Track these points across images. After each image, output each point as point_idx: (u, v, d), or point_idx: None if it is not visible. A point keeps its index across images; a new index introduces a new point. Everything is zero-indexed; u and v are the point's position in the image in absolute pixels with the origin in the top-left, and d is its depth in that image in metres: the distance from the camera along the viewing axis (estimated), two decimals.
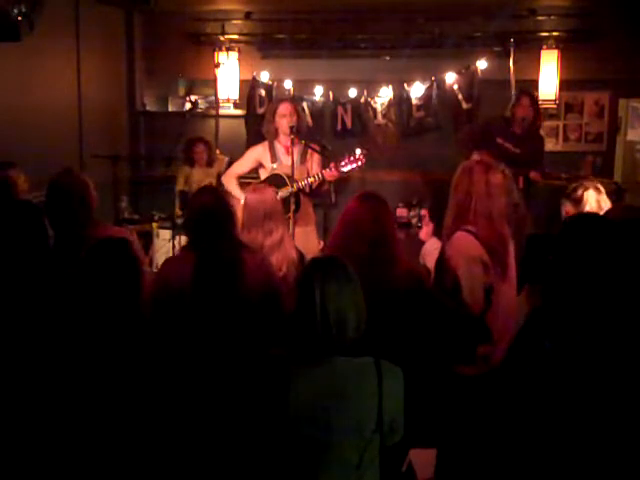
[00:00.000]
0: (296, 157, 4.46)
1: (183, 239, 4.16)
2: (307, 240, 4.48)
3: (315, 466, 1.98)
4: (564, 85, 6.33)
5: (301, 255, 3.40)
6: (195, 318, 2.60)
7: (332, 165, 4.48)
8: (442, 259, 2.89)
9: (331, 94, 6.80)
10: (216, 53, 6.60)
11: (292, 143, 4.41)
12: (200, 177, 5.88)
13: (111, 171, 5.91)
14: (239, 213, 3.45)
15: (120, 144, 6.86)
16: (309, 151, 4.69)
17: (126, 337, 2.20)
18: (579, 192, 3.48)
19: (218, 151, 6.55)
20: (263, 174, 4.73)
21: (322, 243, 4.86)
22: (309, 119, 6.76)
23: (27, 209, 2.75)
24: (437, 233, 3.27)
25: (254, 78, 6.80)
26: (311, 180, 4.54)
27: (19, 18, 4.23)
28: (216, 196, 2.96)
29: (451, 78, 6.53)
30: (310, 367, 1.99)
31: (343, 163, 4.48)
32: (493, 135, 5.46)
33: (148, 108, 7.27)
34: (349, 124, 6.84)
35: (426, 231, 3.33)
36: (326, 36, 6.55)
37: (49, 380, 2.14)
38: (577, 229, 2.11)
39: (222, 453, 2.40)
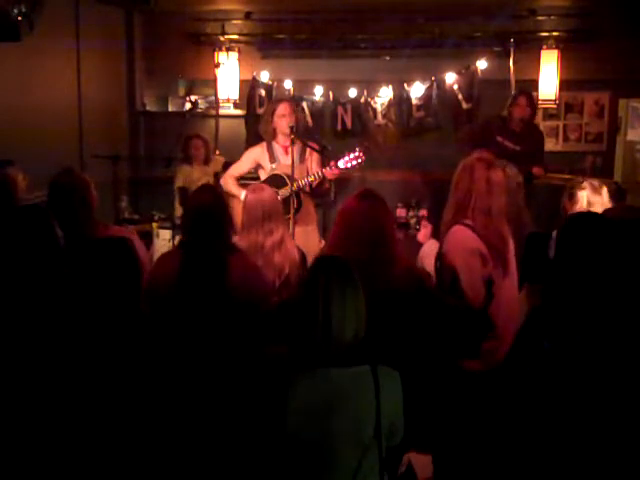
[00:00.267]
0: (295, 157, 4.46)
1: None
2: (308, 239, 4.49)
3: (314, 473, 1.98)
4: (564, 85, 6.33)
5: (303, 255, 3.40)
6: (178, 316, 2.59)
7: (332, 163, 4.48)
8: (440, 254, 2.89)
9: (331, 94, 6.80)
10: (216, 53, 6.60)
11: (292, 143, 4.40)
12: (198, 175, 5.89)
13: (111, 171, 5.89)
14: (239, 213, 3.45)
15: (120, 144, 6.85)
16: (308, 150, 4.69)
17: (124, 337, 2.20)
18: (574, 190, 3.50)
19: (218, 151, 6.55)
20: (262, 175, 4.73)
21: (323, 242, 4.86)
22: (309, 119, 6.76)
23: (36, 213, 2.75)
24: (436, 235, 3.26)
25: (254, 78, 6.80)
26: (311, 179, 4.54)
27: (19, 18, 4.23)
28: (214, 196, 2.95)
29: (451, 78, 6.53)
30: (309, 374, 1.98)
31: (343, 160, 4.48)
32: (493, 134, 5.46)
33: (148, 108, 7.27)
34: (349, 124, 6.84)
35: (424, 233, 3.32)
36: (326, 36, 6.55)
37: (47, 378, 2.14)
38: (576, 229, 2.11)
39: (220, 460, 2.40)
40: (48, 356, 2.17)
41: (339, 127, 6.85)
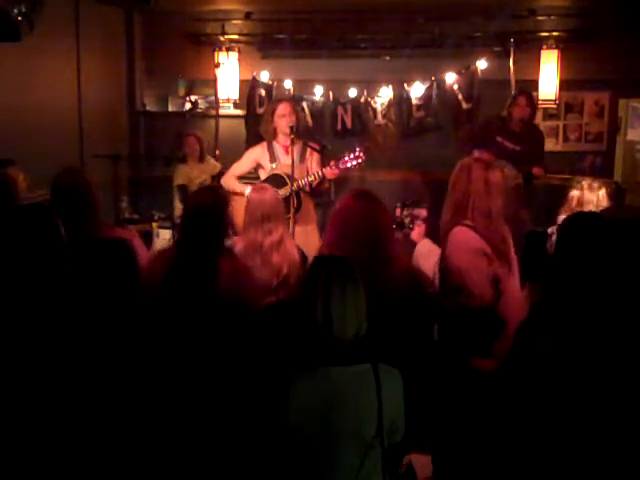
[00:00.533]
0: (295, 156, 4.46)
1: None
2: (308, 239, 4.48)
3: (316, 472, 1.98)
4: (564, 85, 6.32)
5: (304, 256, 3.40)
6: (167, 314, 2.58)
7: (332, 163, 4.49)
8: (443, 256, 2.88)
9: (331, 94, 6.80)
10: (216, 53, 6.60)
11: (292, 143, 4.40)
12: (196, 173, 5.90)
13: (111, 171, 5.89)
14: (240, 212, 3.45)
15: (120, 144, 6.85)
16: (308, 150, 4.69)
17: (121, 334, 2.21)
18: (567, 189, 3.53)
19: (218, 151, 6.55)
20: (262, 175, 4.73)
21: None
22: (309, 119, 6.76)
23: (40, 212, 2.75)
24: (430, 234, 3.26)
25: (254, 78, 6.80)
26: (311, 179, 4.54)
27: (19, 18, 4.23)
28: (213, 197, 2.95)
29: (451, 78, 6.53)
30: (309, 373, 1.98)
31: (343, 160, 4.48)
32: (493, 134, 5.46)
33: (148, 108, 7.27)
34: (349, 124, 6.83)
35: (418, 232, 3.32)
36: (326, 36, 6.55)
37: (44, 375, 2.15)
38: (575, 228, 2.11)
39: (222, 459, 2.40)
40: (45, 354, 2.18)
41: (339, 127, 6.85)
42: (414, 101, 6.69)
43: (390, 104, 6.74)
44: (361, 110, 6.79)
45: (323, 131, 6.80)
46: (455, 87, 6.53)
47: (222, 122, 6.81)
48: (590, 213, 2.91)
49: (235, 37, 6.77)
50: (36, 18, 4.41)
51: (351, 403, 1.97)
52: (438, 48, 6.43)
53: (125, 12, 7.00)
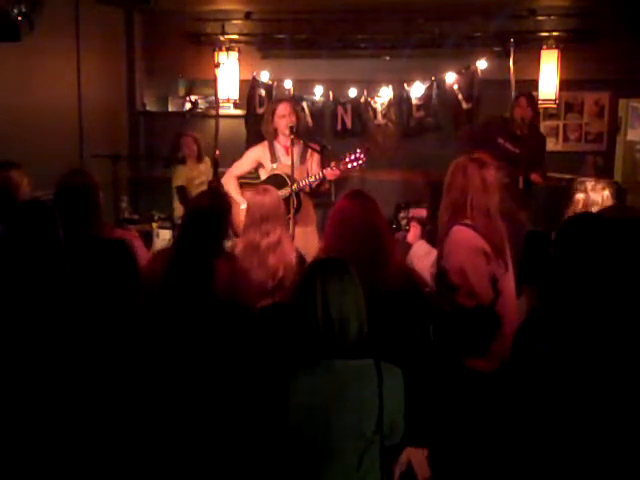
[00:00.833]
0: (296, 157, 4.46)
1: None
2: (307, 240, 4.49)
3: (316, 468, 1.98)
4: (564, 85, 6.32)
5: (302, 258, 3.40)
6: (164, 315, 2.59)
7: (333, 164, 4.48)
8: (443, 255, 2.88)
9: (331, 94, 6.80)
10: (216, 53, 6.59)
11: (292, 143, 4.40)
12: (194, 173, 5.89)
13: (111, 171, 5.89)
14: (239, 214, 3.45)
15: (120, 144, 6.85)
16: (309, 151, 4.69)
17: (119, 334, 2.21)
18: (572, 192, 3.51)
19: (218, 151, 6.54)
20: (263, 174, 4.73)
21: None
22: (309, 119, 6.76)
23: (38, 208, 2.75)
24: (430, 234, 3.26)
25: (254, 78, 6.80)
26: (312, 179, 4.54)
27: (19, 18, 4.23)
28: (213, 200, 2.96)
29: (451, 78, 6.53)
30: (310, 369, 1.99)
31: (344, 161, 4.48)
32: (493, 135, 5.45)
33: (148, 108, 7.27)
34: (349, 124, 6.83)
35: (414, 233, 3.32)
36: (326, 36, 6.54)
37: (44, 376, 2.15)
38: (573, 230, 2.11)
39: (222, 456, 2.40)
40: (43, 352, 2.18)
41: (339, 127, 6.85)
42: (414, 101, 6.69)
43: (390, 104, 6.74)
44: (361, 110, 6.79)
45: (323, 131, 6.81)
46: (455, 87, 6.53)
47: (222, 122, 6.79)
48: (589, 214, 2.91)
49: (235, 37, 6.77)
50: (36, 18, 4.41)
51: (352, 398, 1.97)
52: (438, 48, 6.42)
53: (125, 12, 6.99)
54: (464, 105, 6.53)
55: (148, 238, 5.82)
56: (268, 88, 6.82)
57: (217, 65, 6.53)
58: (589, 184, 3.55)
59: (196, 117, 7.07)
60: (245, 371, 2.18)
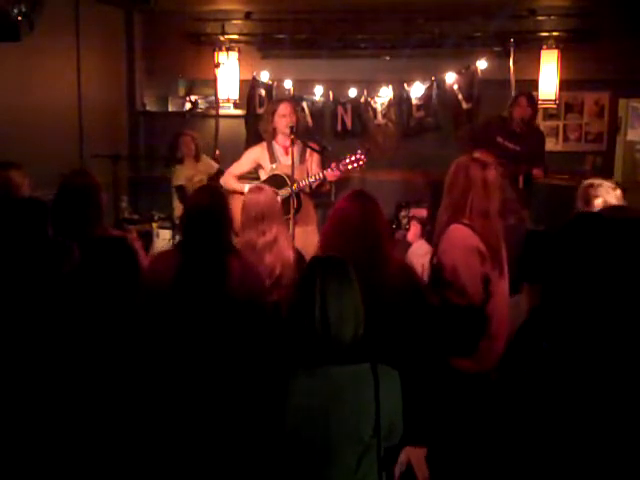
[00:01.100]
0: (295, 157, 4.45)
1: None
2: (307, 240, 4.48)
3: (314, 471, 1.98)
4: (564, 85, 6.32)
5: (300, 256, 3.39)
6: (175, 315, 2.58)
7: (333, 165, 4.48)
8: (437, 253, 2.88)
9: (331, 94, 6.80)
10: (216, 53, 6.60)
11: (292, 143, 4.40)
12: (193, 172, 5.90)
13: (111, 171, 5.89)
14: (239, 212, 3.44)
15: (120, 144, 6.85)
16: (308, 151, 4.69)
17: (121, 336, 2.21)
18: (590, 197, 3.45)
19: (218, 151, 6.55)
20: (262, 175, 4.73)
21: None
22: (309, 119, 6.76)
23: (26, 205, 2.75)
24: (430, 234, 3.26)
25: (254, 78, 6.81)
26: (312, 180, 4.54)
27: (19, 18, 4.22)
28: (213, 196, 2.94)
29: (451, 78, 6.53)
30: (308, 373, 1.99)
31: (344, 162, 4.48)
32: (493, 134, 5.46)
33: (148, 108, 7.27)
34: (349, 124, 6.84)
35: (414, 232, 3.32)
36: (326, 36, 6.54)
37: (43, 375, 2.15)
38: (576, 229, 2.10)
39: (220, 459, 2.40)
40: (41, 353, 2.18)
41: (339, 127, 6.85)
42: (414, 101, 6.69)
43: (390, 104, 6.74)
44: (361, 110, 6.80)
45: (323, 131, 6.81)
46: (455, 87, 6.53)
47: (222, 122, 6.81)
48: (591, 213, 2.91)
49: (235, 37, 6.77)
50: (36, 18, 4.41)
51: (350, 402, 1.97)
52: (438, 48, 6.42)
53: (125, 12, 7.00)
54: (464, 105, 6.53)
55: (148, 238, 5.84)
56: (268, 88, 6.82)
57: (217, 65, 6.54)
58: (603, 188, 3.49)
59: (196, 117, 7.08)
60: (254, 370, 2.18)
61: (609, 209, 3.25)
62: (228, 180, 4.75)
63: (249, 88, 6.81)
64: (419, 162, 6.61)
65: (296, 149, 4.49)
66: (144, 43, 7.18)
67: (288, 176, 4.45)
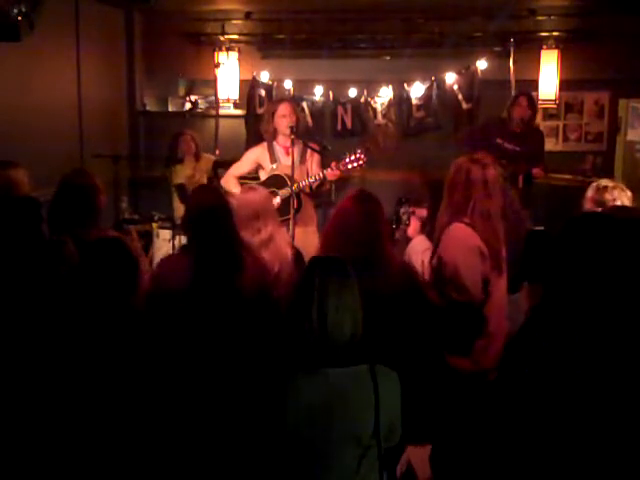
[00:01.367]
0: (296, 157, 4.45)
1: (183, 239, 4.15)
2: (307, 240, 4.47)
3: (314, 473, 1.98)
4: (564, 85, 6.33)
5: (299, 255, 3.39)
6: (192, 319, 2.58)
7: (333, 165, 4.48)
8: (437, 251, 2.88)
9: (331, 94, 6.81)
10: (216, 53, 6.60)
11: (292, 143, 4.40)
12: (192, 172, 5.89)
13: (111, 171, 5.90)
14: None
15: (120, 144, 6.85)
16: (308, 151, 4.69)
17: (120, 336, 2.21)
18: (603, 199, 3.39)
19: (218, 151, 6.55)
20: (263, 175, 4.73)
21: None
22: (309, 119, 6.76)
23: (20, 203, 2.75)
24: (430, 234, 3.26)
25: (254, 78, 6.81)
26: (312, 180, 4.54)
27: (19, 18, 4.22)
28: (215, 194, 2.94)
29: (451, 78, 6.54)
30: (307, 375, 1.98)
31: (344, 162, 4.48)
32: (492, 135, 5.46)
33: (148, 108, 7.27)
34: (349, 124, 6.84)
35: (414, 227, 3.31)
36: (326, 36, 6.55)
37: (42, 376, 2.15)
38: (577, 228, 2.10)
39: (221, 460, 2.40)
40: (40, 353, 2.18)
41: (339, 127, 6.85)
42: (414, 101, 6.70)
43: (390, 104, 6.75)
44: (361, 110, 6.80)
45: (323, 131, 6.82)
46: (455, 87, 6.54)
47: (222, 122, 6.81)
48: (593, 213, 2.90)
49: (235, 37, 6.78)
50: (36, 18, 4.40)
51: (349, 404, 1.97)
52: (438, 48, 6.43)
53: (125, 12, 6.99)
54: (464, 105, 6.54)
55: (148, 238, 5.83)
56: (268, 88, 6.83)
57: (217, 65, 6.54)
58: (616, 191, 3.43)
59: (196, 117, 7.08)
60: (259, 369, 2.17)
61: (610, 208, 3.25)
62: (229, 181, 4.75)
63: (249, 88, 6.81)
64: (419, 162, 6.60)
65: (296, 149, 4.49)
66: (144, 43, 7.18)
67: (288, 176, 4.45)
